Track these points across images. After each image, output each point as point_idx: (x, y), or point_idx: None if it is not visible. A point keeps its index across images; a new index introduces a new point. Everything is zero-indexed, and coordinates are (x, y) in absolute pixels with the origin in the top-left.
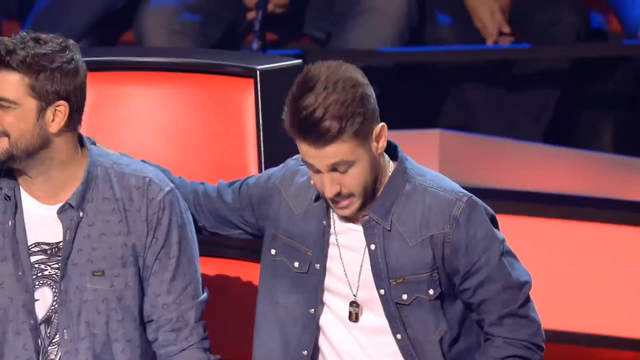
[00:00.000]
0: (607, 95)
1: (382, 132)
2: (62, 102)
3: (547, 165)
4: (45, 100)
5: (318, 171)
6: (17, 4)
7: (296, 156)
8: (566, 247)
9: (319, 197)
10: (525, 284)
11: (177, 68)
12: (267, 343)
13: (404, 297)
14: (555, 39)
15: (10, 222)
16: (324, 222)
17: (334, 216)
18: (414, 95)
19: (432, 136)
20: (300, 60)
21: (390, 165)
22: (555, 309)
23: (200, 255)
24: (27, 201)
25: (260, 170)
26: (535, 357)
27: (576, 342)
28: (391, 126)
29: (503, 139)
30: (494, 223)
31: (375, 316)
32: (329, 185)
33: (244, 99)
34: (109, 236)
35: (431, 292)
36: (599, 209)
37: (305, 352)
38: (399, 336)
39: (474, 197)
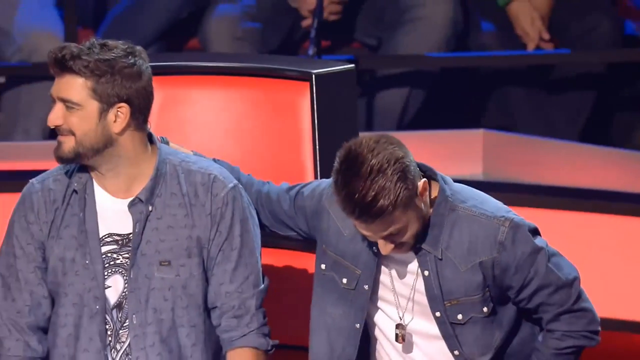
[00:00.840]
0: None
1: (424, 187)
2: (123, 104)
3: (583, 162)
4: (106, 102)
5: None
6: (91, 14)
7: None
8: (601, 238)
9: None
10: (574, 280)
11: (238, 72)
12: (317, 346)
13: (459, 317)
14: (592, 45)
15: (80, 215)
16: (375, 249)
17: None
18: (459, 98)
19: (476, 136)
20: (352, 65)
21: (431, 191)
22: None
23: (262, 246)
24: (101, 195)
25: (315, 168)
26: (592, 344)
27: (616, 328)
28: (438, 126)
29: (542, 138)
30: (536, 233)
31: (423, 338)
32: (382, 247)
33: (301, 101)
34: (175, 229)
35: (485, 309)
36: (632, 203)
37: None
38: (456, 352)
39: (515, 219)
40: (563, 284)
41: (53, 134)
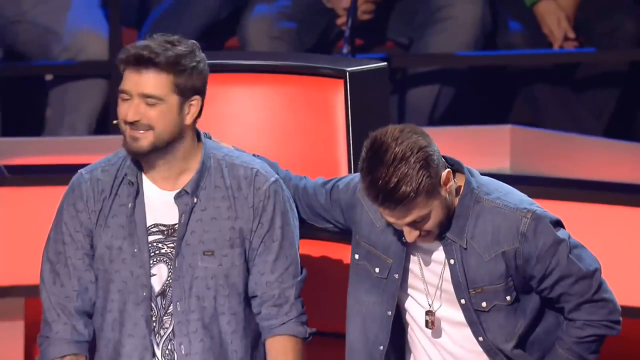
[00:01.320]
0: None
1: (448, 177)
2: (196, 96)
3: (607, 157)
4: (184, 95)
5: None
6: (135, 14)
7: None
8: (625, 230)
9: None
10: (595, 271)
11: (275, 70)
12: (353, 332)
13: (484, 304)
14: (615, 44)
15: (130, 205)
16: (404, 238)
17: None
18: (487, 95)
19: (504, 131)
20: (385, 63)
21: (457, 184)
22: (616, 286)
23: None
24: (149, 187)
25: (349, 162)
26: (612, 333)
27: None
28: (468, 122)
29: (568, 133)
30: (558, 225)
31: (450, 325)
32: (407, 234)
33: (335, 98)
34: (219, 220)
35: (508, 298)
36: None
37: (381, 347)
38: (480, 338)
39: (538, 211)
40: (584, 275)
41: (98, 129)
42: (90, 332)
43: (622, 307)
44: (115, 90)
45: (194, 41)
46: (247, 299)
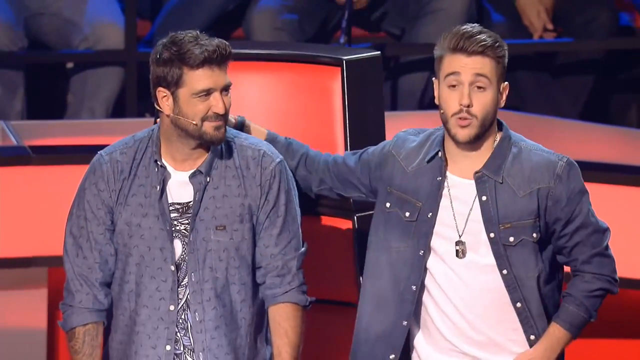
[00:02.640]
0: (634, 81)
1: (505, 89)
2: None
3: (584, 138)
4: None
5: (457, 85)
6: (149, 6)
7: (404, 129)
8: (600, 206)
9: (432, 158)
10: (607, 229)
11: (278, 58)
12: (379, 282)
13: (511, 239)
14: (591, 34)
15: (158, 187)
16: (439, 178)
17: (447, 173)
18: None
19: None
20: (379, 52)
21: (497, 134)
22: None
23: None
24: (167, 167)
25: (345, 143)
26: (614, 290)
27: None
28: None
29: (547, 116)
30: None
31: (478, 256)
32: (466, 95)
33: (333, 84)
34: (229, 197)
35: (534, 235)
36: (628, 174)
37: (414, 287)
38: (505, 272)
39: (570, 158)
40: (599, 229)
41: (115, 113)
42: (109, 301)
43: None
44: (130, 77)
45: None
46: (255, 270)
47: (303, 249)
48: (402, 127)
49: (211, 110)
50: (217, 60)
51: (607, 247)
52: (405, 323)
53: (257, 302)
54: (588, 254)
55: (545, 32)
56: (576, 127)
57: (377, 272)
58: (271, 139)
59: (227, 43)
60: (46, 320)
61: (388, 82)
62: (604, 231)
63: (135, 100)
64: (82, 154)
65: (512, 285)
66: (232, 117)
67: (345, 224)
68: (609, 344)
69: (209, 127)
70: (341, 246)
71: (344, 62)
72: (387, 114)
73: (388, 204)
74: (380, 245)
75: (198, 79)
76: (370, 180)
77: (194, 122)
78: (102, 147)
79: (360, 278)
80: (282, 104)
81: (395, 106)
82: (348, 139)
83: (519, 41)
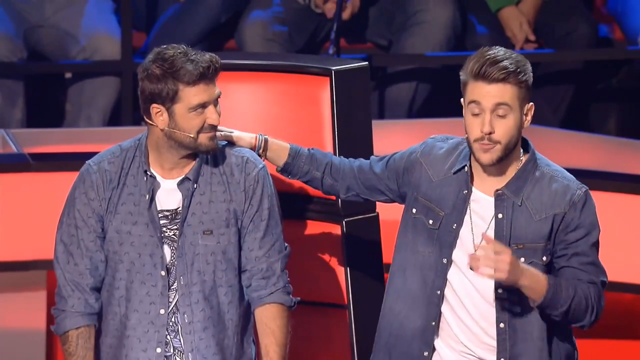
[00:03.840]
0: (613, 90)
1: (530, 110)
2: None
3: (564, 145)
4: None
5: (479, 113)
6: (144, 19)
7: (433, 135)
8: None
9: (458, 170)
10: (605, 280)
11: (269, 69)
12: (410, 281)
13: (522, 260)
14: (572, 45)
15: (147, 196)
16: (465, 191)
17: (473, 188)
18: (459, 91)
19: None
20: (367, 63)
21: (523, 155)
22: None
23: (285, 218)
24: (157, 177)
25: (334, 150)
26: (587, 320)
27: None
28: (442, 115)
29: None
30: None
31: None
32: (487, 123)
33: (322, 94)
34: (215, 203)
35: (544, 259)
36: (607, 180)
37: (439, 291)
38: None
39: (589, 190)
40: (599, 265)
41: (111, 121)
42: (99, 305)
43: None
44: (126, 87)
45: None
46: (241, 273)
47: (286, 251)
48: (390, 134)
49: (206, 122)
50: (211, 75)
51: (602, 285)
52: (433, 323)
53: (243, 303)
54: (583, 280)
55: (527, 44)
56: (557, 135)
57: (409, 271)
58: (294, 153)
59: (216, 56)
60: (45, 322)
61: (376, 92)
62: (603, 270)
63: (131, 109)
64: (79, 161)
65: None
66: (253, 137)
67: (334, 229)
68: (609, 345)
69: (204, 138)
70: (330, 250)
71: (333, 72)
72: (375, 122)
73: (414, 210)
74: (409, 247)
75: (194, 94)
76: (398, 185)
77: (190, 135)
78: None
79: (349, 281)
80: (273, 112)
81: (383, 115)
82: (337, 146)
83: None
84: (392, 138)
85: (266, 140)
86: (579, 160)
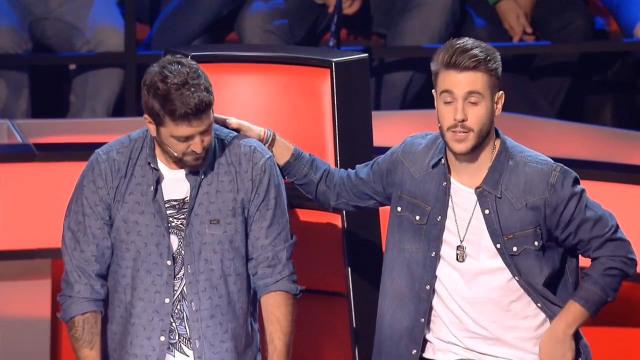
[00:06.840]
0: (608, 82)
1: (501, 98)
2: None
3: (560, 136)
4: None
5: (451, 102)
6: (147, 11)
7: (412, 134)
8: None
9: (436, 164)
10: (610, 215)
11: (269, 60)
12: (397, 281)
13: (514, 249)
14: (568, 37)
15: (152, 188)
16: (444, 183)
17: (451, 179)
18: None
19: None
20: (366, 54)
21: (496, 143)
22: None
23: (290, 208)
24: (161, 168)
25: (335, 141)
26: (630, 271)
27: None
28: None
29: (526, 116)
30: (577, 181)
31: (477, 262)
32: (460, 111)
33: (322, 85)
34: (222, 193)
35: (536, 243)
36: (602, 170)
37: (428, 286)
38: (516, 278)
39: (564, 166)
40: (600, 217)
41: (115, 112)
42: (105, 291)
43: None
44: (129, 78)
45: None
46: (248, 262)
47: (292, 240)
48: (385, 125)
49: (190, 149)
50: (197, 114)
51: (615, 231)
52: (422, 320)
53: (251, 291)
54: (598, 242)
55: (524, 36)
56: (553, 126)
57: (396, 271)
58: (297, 154)
59: (209, 96)
60: (50, 310)
61: (372, 81)
62: (607, 217)
63: (134, 100)
64: (83, 151)
65: (527, 289)
66: (262, 131)
67: (335, 219)
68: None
69: (188, 158)
70: (331, 239)
71: (333, 64)
72: (372, 113)
73: (399, 208)
74: (396, 246)
75: (177, 128)
76: (384, 187)
77: (175, 154)
78: (103, 145)
79: (349, 270)
80: (273, 104)
81: (379, 105)
82: (337, 137)
83: (499, 44)
84: (389, 130)
85: (274, 137)
86: (574, 151)
